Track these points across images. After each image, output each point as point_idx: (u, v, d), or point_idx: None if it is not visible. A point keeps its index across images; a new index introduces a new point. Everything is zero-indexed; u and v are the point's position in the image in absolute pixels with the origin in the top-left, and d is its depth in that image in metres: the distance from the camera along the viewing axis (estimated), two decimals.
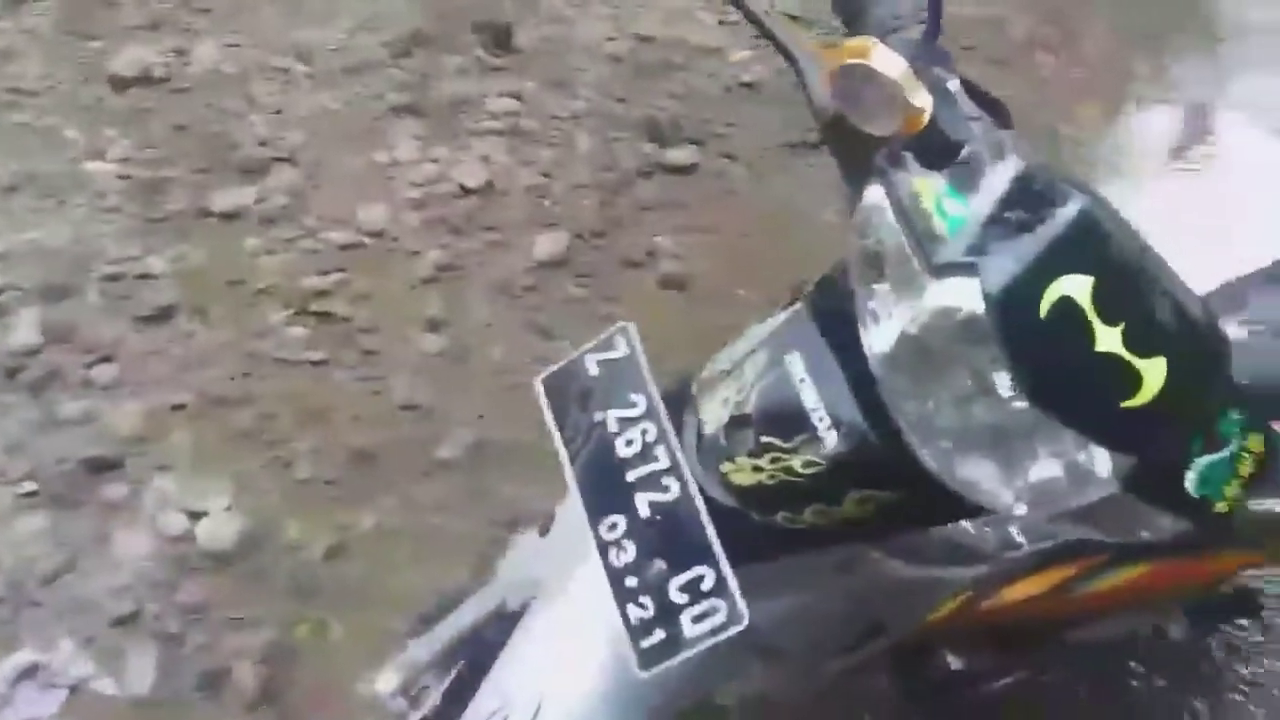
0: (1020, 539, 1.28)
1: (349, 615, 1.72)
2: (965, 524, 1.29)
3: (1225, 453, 0.78)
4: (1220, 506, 0.79)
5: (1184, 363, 0.74)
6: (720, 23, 3.63)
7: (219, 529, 1.78)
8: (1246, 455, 0.79)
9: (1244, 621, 1.90)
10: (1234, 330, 1.06)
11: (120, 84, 2.76)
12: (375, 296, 2.31)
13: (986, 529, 1.29)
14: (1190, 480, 0.78)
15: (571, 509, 1.11)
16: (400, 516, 1.89)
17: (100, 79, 2.76)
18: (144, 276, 2.24)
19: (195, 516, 1.80)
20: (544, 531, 1.17)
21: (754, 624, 0.96)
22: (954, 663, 1.40)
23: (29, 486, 1.82)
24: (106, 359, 2.05)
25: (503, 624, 1.15)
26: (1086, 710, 1.78)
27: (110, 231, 2.33)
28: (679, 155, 2.91)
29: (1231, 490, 0.79)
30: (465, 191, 2.63)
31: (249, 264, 2.32)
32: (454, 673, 1.21)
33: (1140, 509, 0.82)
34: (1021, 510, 0.82)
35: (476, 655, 1.17)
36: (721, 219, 2.75)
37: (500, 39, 3.24)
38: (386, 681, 1.22)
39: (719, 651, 0.91)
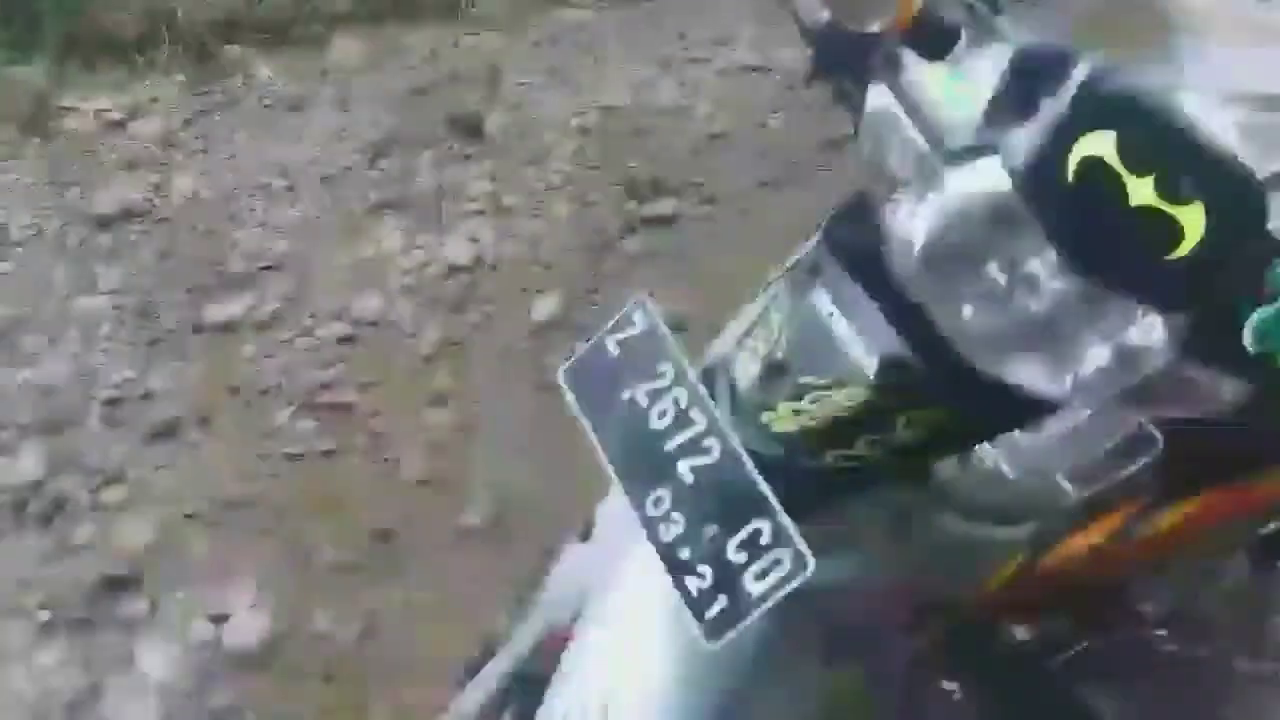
0: (1067, 486, 1.23)
1: (388, 693, 1.66)
2: (1011, 477, 1.24)
3: (1279, 304, 0.75)
4: None
5: (1222, 206, 0.71)
6: (681, 84, 3.72)
7: (245, 629, 1.74)
8: None
9: None
10: None
11: (104, 222, 2.81)
12: (379, 381, 2.31)
13: (1033, 480, 1.24)
14: (1248, 335, 0.74)
15: (611, 503, 1.07)
16: (429, 590, 1.84)
17: (84, 221, 2.81)
18: (145, 396, 2.24)
19: (219, 620, 1.76)
20: (585, 536, 1.12)
21: (815, 591, 0.90)
22: (1020, 633, 1.34)
23: (45, 616, 1.77)
24: (115, 480, 2.04)
25: (553, 654, 1.09)
26: (1162, 671, 1.70)
27: (107, 358, 2.35)
28: (659, 208, 2.95)
29: None
30: (455, 270, 2.65)
31: (249, 369, 2.32)
32: (507, 715, 1.15)
33: (1200, 382, 0.78)
34: (1077, 404, 0.78)
35: (526, 692, 1.12)
36: (709, 261, 2.77)
37: (471, 130, 3.32)
38: None
39: (784, 622, 0.86)
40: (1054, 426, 1.29)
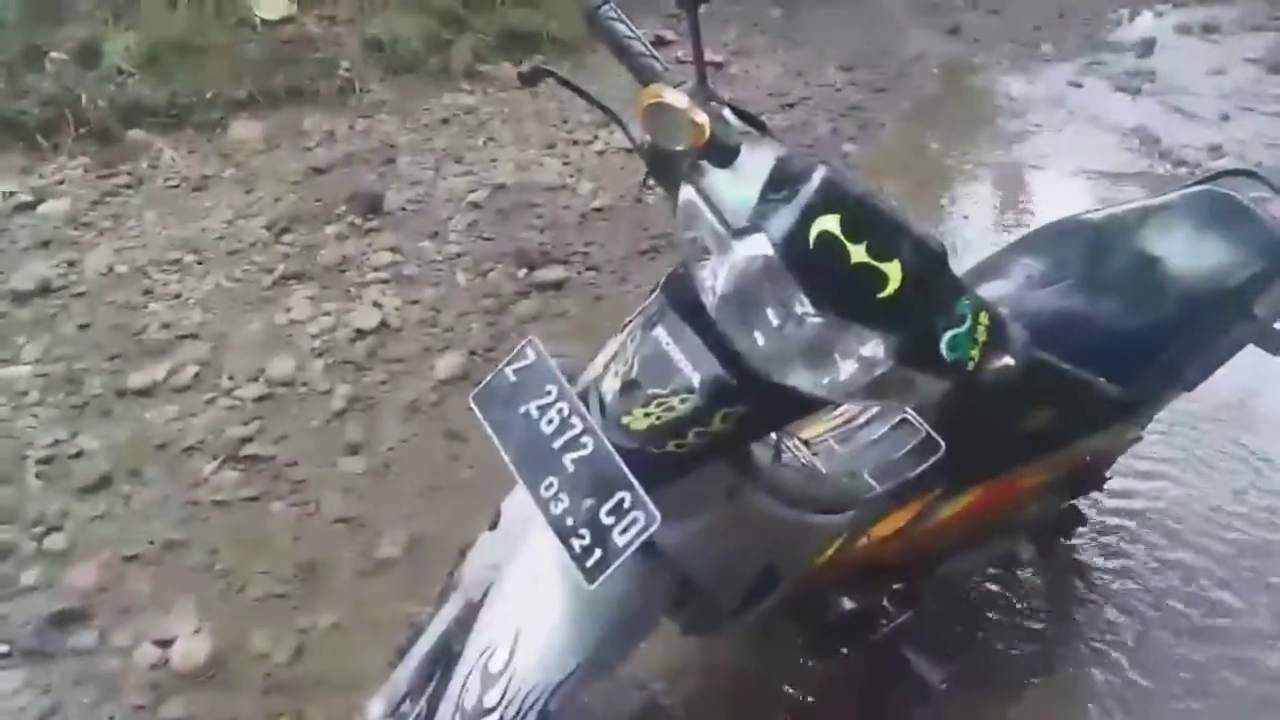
0: (873, 483, 1.57)
1: (323, 701, 1.85)
2: (826, 474, 1.59)
3: (964, 327, 1.10)
4: (970, 365, 1.09)
5: (912, 262, 1.06)
6: (565, 163, 4.07)
7: (190, 651, 1.91)
8: (980, 326, 1.10)
9: (1078, 530, 2.21)
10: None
11: (22, 298, 2.97)
12: (295, 435, 2.52)
13: (844, 479, 1.58)
14: (944, 348, 1.09)
15: (514, 497, 1.37)
16: (353, 613, 2.05)
17: (3, 297, 2.96)
18: (77, 455, 2.40)
19: (166, 644, 1.93)
20: (494, 525, 1.41)
21: (666, 547, 1.22)
22: (847, 603, 1.66)
23: (3, 649, 1.92)
24: (55, 529, 2.20)
25: (469, 622, 1.36)
26: (967, 637, 2.05)
27: (36, 423, 2.50)
28: (549, 274, 3.26)
29: (975, 351, 1.09)
30: (362, 334, 2.89)
31: (173, 428, 2.51)
32: (432, 684, 1.40)
33: (914, 380, 1.12)
34: (834, 398, 1.12)
35: (449, 664, 1.38)
36: (595, 319, 3.08)
37: (371, 206, 3.58)
38: (375, 708, 1.41)
39: (645, 570, 1.17)
40: (862, 436, 1.65)
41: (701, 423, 1.17)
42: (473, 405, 1.30)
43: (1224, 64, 5.81)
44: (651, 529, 1.12)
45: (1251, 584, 2.20)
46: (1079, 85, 5.50)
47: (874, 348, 1.09)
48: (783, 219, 1.06)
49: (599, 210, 3.74)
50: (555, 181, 3.90)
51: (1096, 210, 1.87)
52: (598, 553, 1.13)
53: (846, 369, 1.10)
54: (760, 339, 1.11)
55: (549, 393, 1.24)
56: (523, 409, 1.25)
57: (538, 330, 2.98)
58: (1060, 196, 4.30)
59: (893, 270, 1.06)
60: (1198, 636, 2.08)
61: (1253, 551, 2.29)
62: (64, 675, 1.90)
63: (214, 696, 1.86)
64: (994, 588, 2.16)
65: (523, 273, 3.27)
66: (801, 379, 1.11)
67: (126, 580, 2.09)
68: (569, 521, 1.16)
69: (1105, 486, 2.12)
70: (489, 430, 1.27)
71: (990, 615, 2.10)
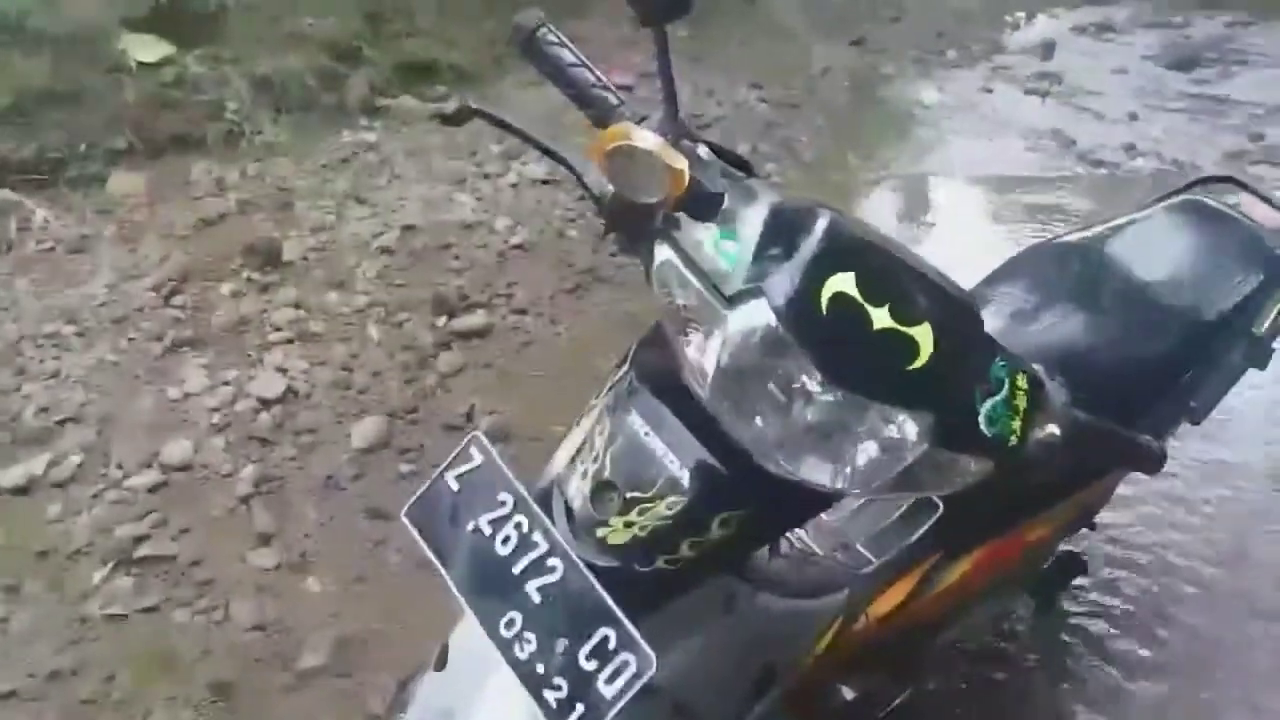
0: (869, 555, 1.38)
1: None
2: (819, 553, 1.39)
3: (1002, 394, 0.91)
4: (1011, 440, 0.91)
5: (944, 323, 0.87)
6: (478, 199, 3.83)
7: None
8: (1019, 392, 0.92)
9: (1079, 581, 2.07)
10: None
11: None
12: (197, 527, 2.23)
13: (835, 554, 1.39)
14: (983, 423, 0.90)
15: (465, 631, 1.12)
16: None
17: None
18: None
19: None
20: (440, 665, 1.16)
21: (660, 680, 1.00)
22: (848, 693, 1.46)
23: None
24: None
25: None
26: (974, 707, 1.88)
27: None
28: (470, 321, 3.02)
29: (1015, 423, 0.91)
30: (266, 404, 2.61)
31: (55, 530, 2.20)
32: None
33: (951, 464, 0.93)
34: (857, 492, 0.92)
35: None
36: (524, 368, 2.85)
37: (269, 257, 3.29)
38: None
39: (639, 715, 0.95)
40: (849, 502, 1.46)
41: (695, 531, 0.96)
42: (406, 522, 1.07)
43: (1124, 63, 5.88)
44: (646, 675, 0.90)
45: None
46: (989, 90, 5.48)
47: (902, 428, 0.89)
48: (785, 280, 0.86)
49: (518, 247, 3.51)
50: (469, 219, 3.65)
51: (1074, 232, 1.72)
52: (579, 709, 0.91)
53: (868, 456, 0.91)
54: (761, 423, 0.91)
55: (503, 503, 1.01)
56: (470, 524, 1.02)
57: (464, 386, 2.74)
58: (990, 204, 4.23)
59: (923, 335, 0.87)
60: None
61: None
62: None
63: None
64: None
65: (442, 321, 3.02)
66: (814, 471, 0.91)
67: None
68: (539, 668, 0.93)
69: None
70: (428, 553, 1.04)
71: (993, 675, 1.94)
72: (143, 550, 2.16)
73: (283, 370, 2.75)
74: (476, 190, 3.89)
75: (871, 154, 4.65)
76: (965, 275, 1.21)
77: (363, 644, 1.96)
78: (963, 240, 3.76)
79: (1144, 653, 2.03)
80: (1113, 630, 2.07)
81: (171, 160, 4.02)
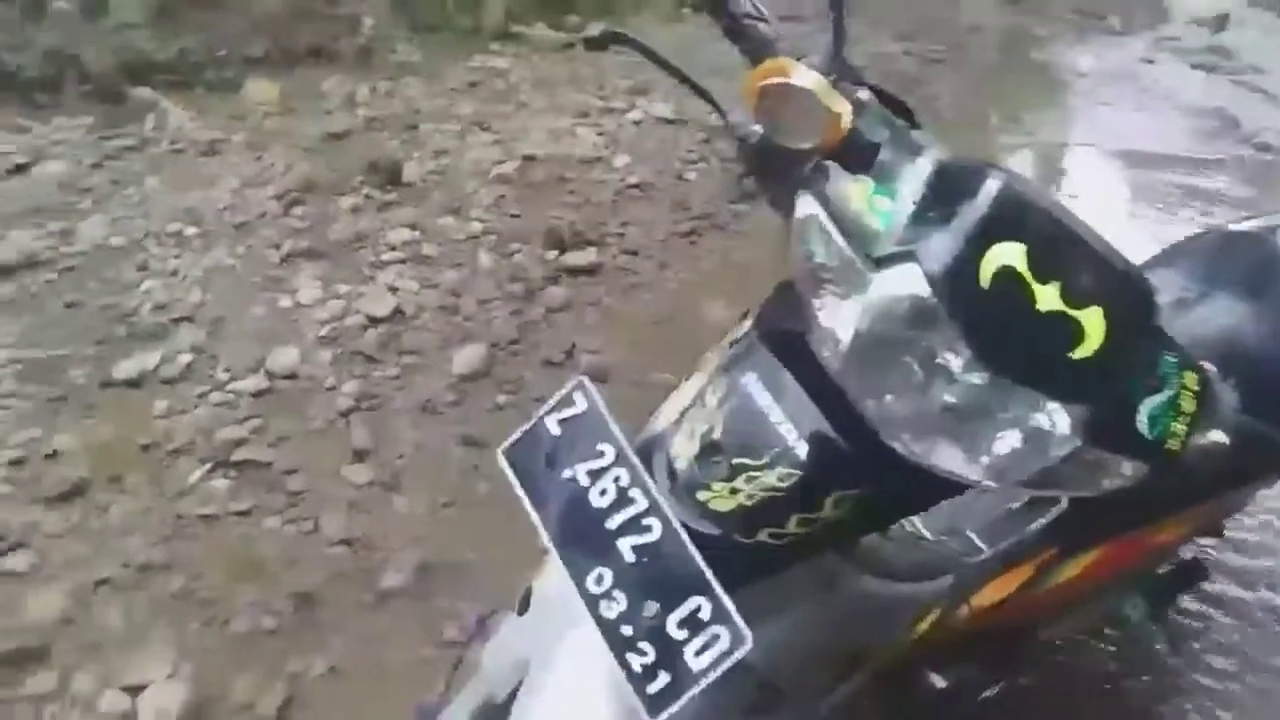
0: (980, 544, 1.28)
1: None
2: (928, 537, 1.29)
3: (1167, 393, 0.80)
4: (1172, 444, 0.80)
5: (1119, 309, 0.77)
6: (600, 134, 3.76)
7: (163, 700, 1.66)
8: (1186, 392, 0.81)
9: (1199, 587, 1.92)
10: None
11: (5, 272, 2.70)
12: (295, 437, 2.24)
13: (944, 538, 1.29)
14: (1141, 422, 0.79)
15: (549, 578, 1.07)
16: (352, 655, 1.79)
17: None
18: (51, 456, 2.14)
19: (135, 691, 1.68)
20: (522, 609, 1.11)
21: (751, 658, 0.93)
22: (939, 681, 1.37)
23: None
24: (19, 546, 1.94)
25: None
26: (1068, 709, 1.76)
27: (9, 417, 2.24)
28: (581, 258, 2.96)
29: (1179, 426, 0.80)
30: (374, 321, 2.61)
31: (160, 426, 2.24)
32: None
33: (1103, 464, 0.83)
34: (991, 485, 0.82)
35: None
36: (631, 310, 2.79)
37: (390, 176, 3.29)
38: None
39: (723, 688, 0.88)
40: None
41: (807, 507, 0.87)
42: (502, 460, 1.01)
43: None
44: (739, 653, 0.83)
45: None
46: (1151, 61, 5.13)
47: (1054, 419, 0.79)
48: (944, 246, 0.76)
49: (636, 186, 3.43)
50: (589, 154, 3.59)
51: (1243, 219, 1.55)
52: (664, 677, 0.84)
53: (1010, 447, 0.81)
54: (892, 399, 0.82)
55: (603, 454, 0.94)
56: (568, 473, 0.95)
57: (568, 322, 2.69)
58: (1140, 183, 3.95)
59: (1092, 321, 0.76)
60: None
61: None
62: None
63: None
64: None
65: (552, 255, 2.98)
66: (945, 457, 0.81)
67: (95, 610, 1.82)
68: (626, 630, 0.87)
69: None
70: (522, 496, 0.98)
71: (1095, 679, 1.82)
72: (241, 454, 2.18)
73: (393, 289, 2.74)
74: (599, 125, 3.82)
75: (1017, 118, 4.40)
76: None
77: (445, 570, 1.95)
78: (1109, 220, 3.53)
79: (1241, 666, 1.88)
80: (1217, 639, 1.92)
81: (306, 71, 4.06)
